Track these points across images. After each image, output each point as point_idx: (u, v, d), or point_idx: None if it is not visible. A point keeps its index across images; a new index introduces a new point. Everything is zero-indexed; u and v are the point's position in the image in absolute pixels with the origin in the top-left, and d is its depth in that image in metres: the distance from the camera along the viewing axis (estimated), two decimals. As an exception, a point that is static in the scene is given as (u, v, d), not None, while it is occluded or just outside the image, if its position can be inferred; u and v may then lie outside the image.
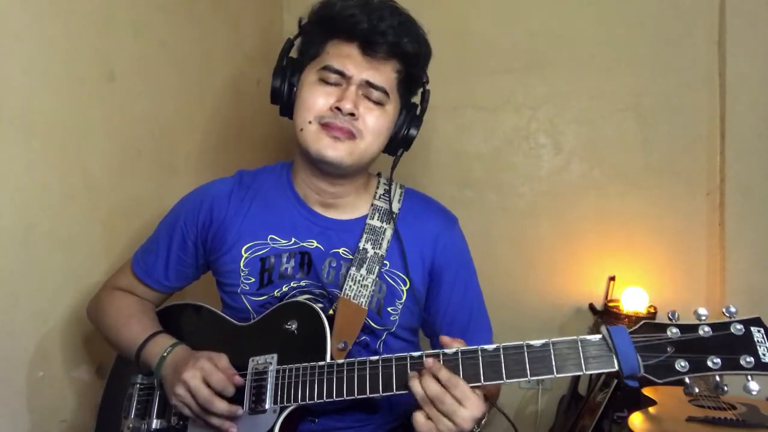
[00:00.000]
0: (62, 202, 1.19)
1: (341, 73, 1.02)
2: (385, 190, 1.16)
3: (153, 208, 1.39)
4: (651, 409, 1.40)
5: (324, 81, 1.03)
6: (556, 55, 2.01)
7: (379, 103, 1.05)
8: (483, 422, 0.87)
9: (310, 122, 1.03)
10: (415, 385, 0.86)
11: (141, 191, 1.42)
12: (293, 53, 1.13)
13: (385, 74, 1.04)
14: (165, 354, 1.02)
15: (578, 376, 1.93)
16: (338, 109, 1.01)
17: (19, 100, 1.09)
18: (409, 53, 1.05)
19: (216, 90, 1.73)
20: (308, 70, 1.07)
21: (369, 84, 1.03)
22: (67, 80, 1.19)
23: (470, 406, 0.84)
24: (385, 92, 1.04)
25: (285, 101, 1.09)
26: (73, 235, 1.22)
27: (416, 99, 1.16)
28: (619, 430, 1.67)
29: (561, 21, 2.01)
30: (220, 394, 0.95)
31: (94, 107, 1.26)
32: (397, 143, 1.12)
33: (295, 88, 1.08)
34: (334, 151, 1.02)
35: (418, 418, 0.86)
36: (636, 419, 1.35)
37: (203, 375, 0.95)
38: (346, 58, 1.02)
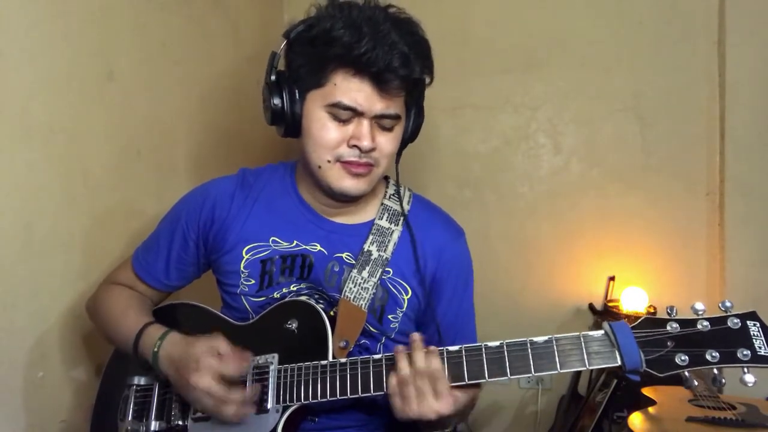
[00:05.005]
0: (62, 202, 1.19)
1: (354, 110, 0.99)
2: (395, 190, 1.15)
3: (153, 209, 1.39)
4: (651, 409, 1.40)
5: (335, 117, 1.00)
6: (555, 55, 2.01)
7: (391, 128, 1.03)
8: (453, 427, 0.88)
9: (329, 161, 1.01)
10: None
11: (141, 191, 1.42)
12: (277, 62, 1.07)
13: (396, 102, 1.02)
14: (156, 349, 1.00)
15: (578, 376, 1.93)
16: (356, 146, 0.99)
17: (19, 100, 1.09)
18: (419, 79, 1.03)
19: (216, 90, 1.72)
20: (313, 100, 1.01)
21: (383, 115, 1.01)
22: (67, 80, 1.19)
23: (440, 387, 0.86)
24: (398, 116, 1.03)
25: (290, 127, 1.04)
26: (73, 235, 1.22)
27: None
28: (618, 430, 1.67)
29: (560, 21, 2.01)
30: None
31: (94, 107, 1.26)
32: (405, 143, 1.11)
33: (297, 115, 1.03)
34: (356, 186, 1.02)
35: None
36: (636, 419, 1.35)
37: (213, 373, 0.92)
38: (358, 93, 0.97)
